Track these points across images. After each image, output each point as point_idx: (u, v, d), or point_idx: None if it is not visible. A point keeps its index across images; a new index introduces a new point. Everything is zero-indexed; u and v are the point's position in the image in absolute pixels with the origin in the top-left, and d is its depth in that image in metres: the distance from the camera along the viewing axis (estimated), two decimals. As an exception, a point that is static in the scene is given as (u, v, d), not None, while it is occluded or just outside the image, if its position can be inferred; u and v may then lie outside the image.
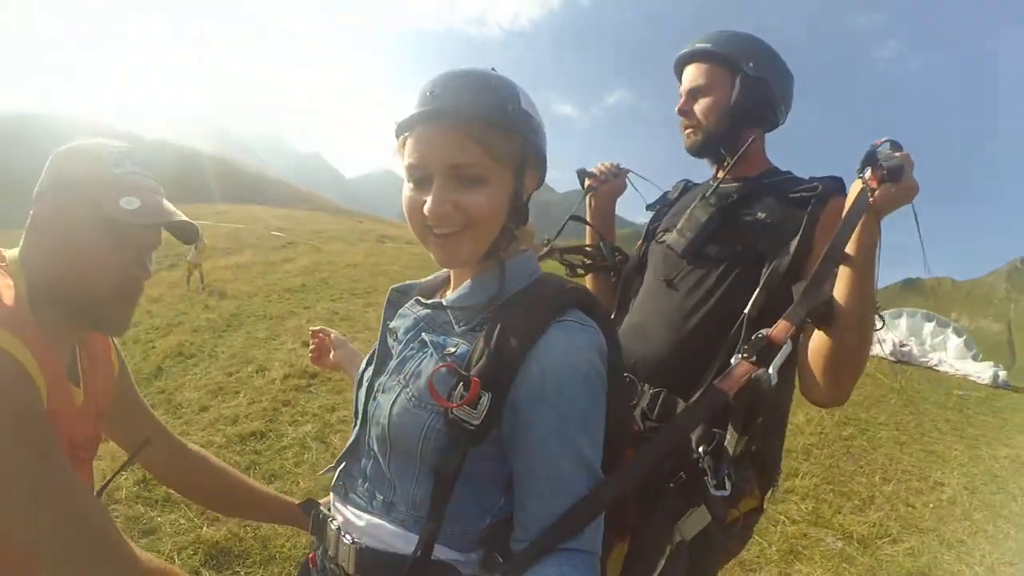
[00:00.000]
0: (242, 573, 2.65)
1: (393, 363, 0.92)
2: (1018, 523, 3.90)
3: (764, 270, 1.27)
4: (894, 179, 0.98)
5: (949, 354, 11.02)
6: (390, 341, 0.98)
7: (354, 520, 0.90)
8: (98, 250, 0.93)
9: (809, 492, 4.04)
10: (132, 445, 1.17)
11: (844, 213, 1.04)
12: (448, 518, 0.81)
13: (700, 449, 1.19)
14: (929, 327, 11.77)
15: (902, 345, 10.68)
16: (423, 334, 0.91)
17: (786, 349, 0.98)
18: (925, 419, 6.31)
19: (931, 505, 4.04)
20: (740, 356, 0.98)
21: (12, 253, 0.94)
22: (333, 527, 0.93)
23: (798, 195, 1.32)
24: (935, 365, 10.57)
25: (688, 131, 1.49)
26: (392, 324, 1.00)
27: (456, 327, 0.88)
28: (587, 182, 1.71)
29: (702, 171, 1.62)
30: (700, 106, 1.44)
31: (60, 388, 0.89)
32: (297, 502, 1.22)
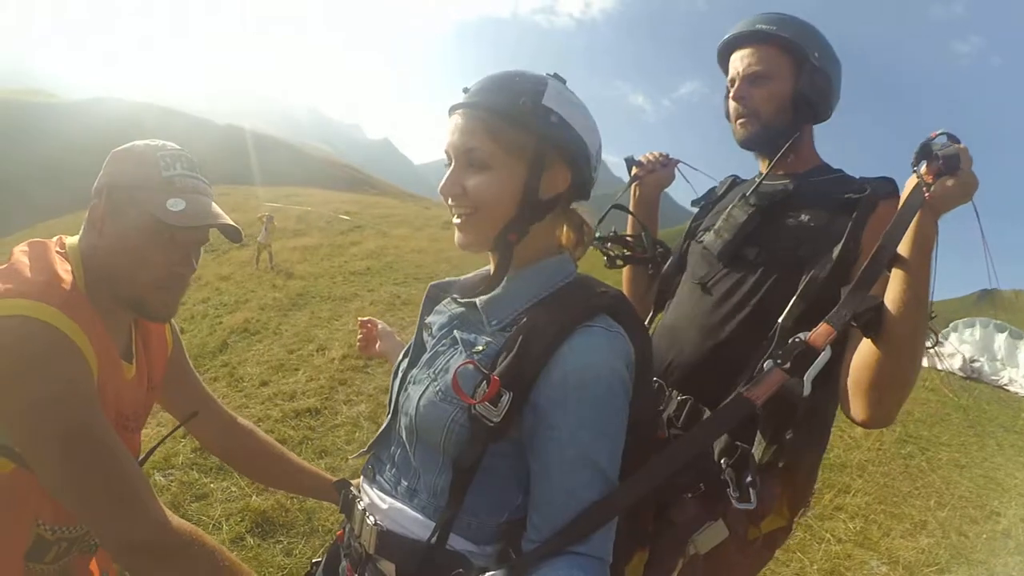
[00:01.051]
0: (285, 542, 2.84)
1: (425, 357, 0.97)
2: None
3: (804, 277, 1.20)
4: (950, 171, 0.89)
5: (1020, 369, 10.20)
6: (425, 336, 1.03)
7: (378, 503, 0.95)
8: (146, 248, 1.01)
9: (859, 511, 3.92)
10: (183, 413, 1.27)
11: (897, 210, 0.95)
12: (465, 508, 0.86)
13: (722, 461, 1.16)
14: (1001, 338, 10.91)
15: (972, 360, 9.96)
16: (455, 331, 0.95)
17: (824, 356, 0.91)
18: (989, 442, 5.94)
19: (984, 536, 3.84)
20: (773, 362, 0.92)
21: (72, 241, 1.04)
22: (360, 507, 0.99)
23: (845, 197, 1.23)
24: (1006, 385, 9.73)
25: (742, 120, 1.39)
26: (428, 319, 1.05)
27: (487, 326, 0.92)
28: (634, 170, 1.66)
29: (753, 166, 1.53)
30: (760, 94, 1.35)
31: (110, 363, 0.98)
32: (334, 479, 1.30)
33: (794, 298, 1.18)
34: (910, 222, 0.92)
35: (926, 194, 0.91)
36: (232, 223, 1.07)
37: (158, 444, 1.26)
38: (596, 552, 0.79)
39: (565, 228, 0.99)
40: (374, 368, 5.56)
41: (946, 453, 5.19)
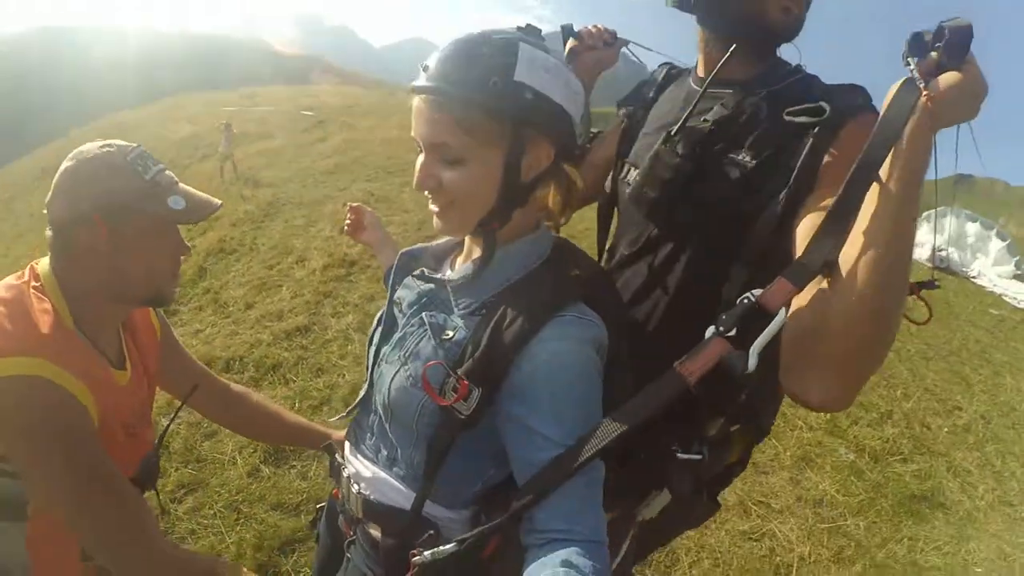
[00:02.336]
0: (299, 467, 2.93)
1: (397, 336, 0.97)
2: None
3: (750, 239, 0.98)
4: (956, 62, 0.67)
5: (989, 258, 10.58)
6: (395, 311, 1.02)
7: (362, 471, 1.00)
8: (158, 248, 1.08)
9: (830, 399, 4.14)
10: (181, 391, 1.34)
11: (882, 112, 0.71)
12: (441, 480, 0.89)
13: (663, 441, 1.05)
14: (973, 227, 11.21)
15: (940, 250, 10.25)
16: (423, 313, 0.94)
17: (778, 321, 0.72)
18: (956, 336, 6.25)
19: (945, 429, 4.13)
20: (715, 329, 0.75)
21: (44, 268, 1.04)
22: (345, 475, 1.03)
23: (797, 119, 0.95)
24: (974, 277, 10.17)
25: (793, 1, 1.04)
26: (398, 294, 1.03)
27: (456, 308, 0.91)
28: (570, 43, 1.36)
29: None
30: None
31: (105, 389, 1.01)
32: (322, 429, 1.42)
33: (735, 266, 0.99)
34: (901, 128, 0.68)
35: (924, 95, 0.67)
36: (217, 201, 1.13)
37: (169, 423, 1.40)
38: (593, 536, 0.77)
39: (552, 191, 0.90)
40: (356, 275, 5.57)
41: (913, 345, 5.45)
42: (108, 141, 1.04)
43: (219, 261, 6.73)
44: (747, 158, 0.99)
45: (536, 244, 0.93)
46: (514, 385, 0.81)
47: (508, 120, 0.80)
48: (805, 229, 0.86)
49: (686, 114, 1.06)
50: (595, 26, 1.38)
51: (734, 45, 1.03)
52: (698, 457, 1.06)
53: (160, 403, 3.42)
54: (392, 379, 0.91)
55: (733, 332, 0.74)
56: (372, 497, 0.97)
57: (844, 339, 0.71)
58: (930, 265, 10.27)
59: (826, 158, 0.91)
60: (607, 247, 1.36)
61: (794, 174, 0.92)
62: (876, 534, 2.94)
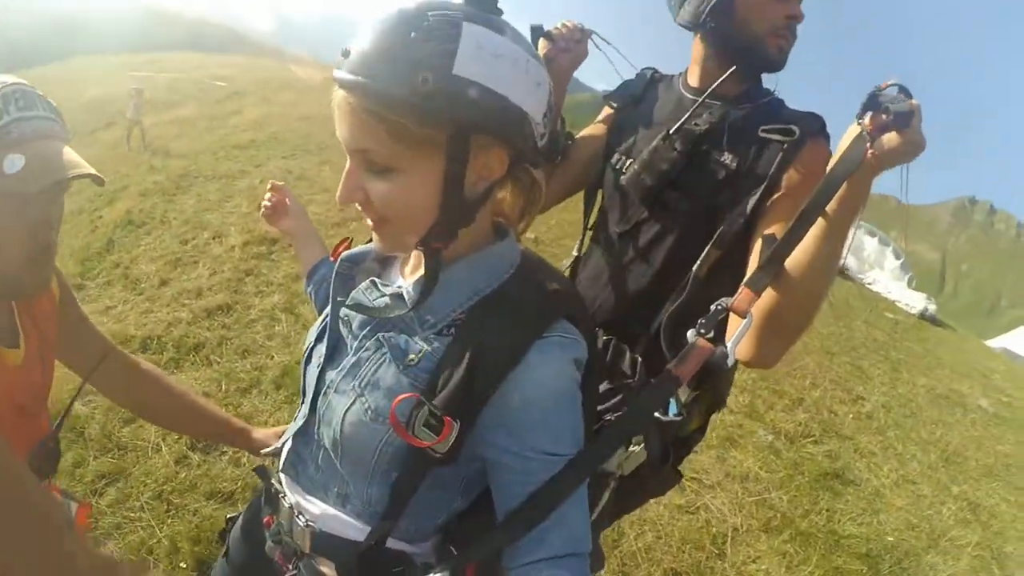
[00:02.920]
0: (230, 452, 2.75)
1: (348, 361, 0.83)
2: (924, 448, 4.42)
3: (722, 225, 1.16)
4: (900, 127, 0.81)
5: (884, 274, 11.67)
6: (342, 328, 0.88)
7: (307, 505, 0.87)
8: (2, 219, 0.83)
9: (746, 387, 4.45)
10: (84, 366, 1.16)
11: (833, 162, 0.87)
12: (404, 516, 0.79)
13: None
14: (871, 243, 12.27)
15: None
16: (379, 333, 0.81)
17: (747, 323, 0.87)
18: (855, 335, 6.86)
19: (851, 416, 4.52)
20: (696, 333, 0.86)
21: None
22: (286, 505, 0.89)
23: (771, 136, 1.16)
24: (870, 284, 11.12)
25: (786, 40, 1.22)
26: (345, 310, 0.87)
27: (419, 327, 0.78)
28: (542, 46, 1.34)
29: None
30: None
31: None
32: (244, 426, 1.30)
33: (708, 247, 1.15)
34: (845, 178, 0.85)
35: (869, 150, 0.83)
36: (91, 172, 0.89)
37: (71, 404, 1.18)
38: (575, 549, 0.73)
39: (510, 194, 0.82)
40: (279, 254, 5.30)
41: (818, 341, 5.92)
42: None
43: (128, 234, 6.19)
44: (729, 159, 1.19)
45: (505, 253, 0.82)
46: (500, 416, 0.73)
47: (446, 124, 0.65)
48: (764, 228, 1.09)
49: (684, 118, 1.24)
50: (564, 24, 1.36)
51: (734, 67, 1.21)
52: (679, 418, 1.14)
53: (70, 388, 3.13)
54: (345, 413, 0.78)
55: (711, 334, 0.85)
56: (322, 529, 0.84)
57: (791, 320, 0.98)
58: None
59: (789, 170, 1.12)
60: (590, 225, 1.51)
61: (767, 179, 1.12)
62: (798, 506, 3.17)
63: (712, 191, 1.19)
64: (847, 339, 6.51)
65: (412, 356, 0.76)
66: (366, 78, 0.63)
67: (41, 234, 0.88)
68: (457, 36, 0.62)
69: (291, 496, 0.90)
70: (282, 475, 0.93)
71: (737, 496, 3.10)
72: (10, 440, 0.83)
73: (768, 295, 0.94)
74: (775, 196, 1.12)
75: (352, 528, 0.82)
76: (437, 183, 0.68)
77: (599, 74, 1.48)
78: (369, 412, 0.76)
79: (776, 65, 1.24)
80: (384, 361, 0.78)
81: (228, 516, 1.16)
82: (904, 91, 0.85)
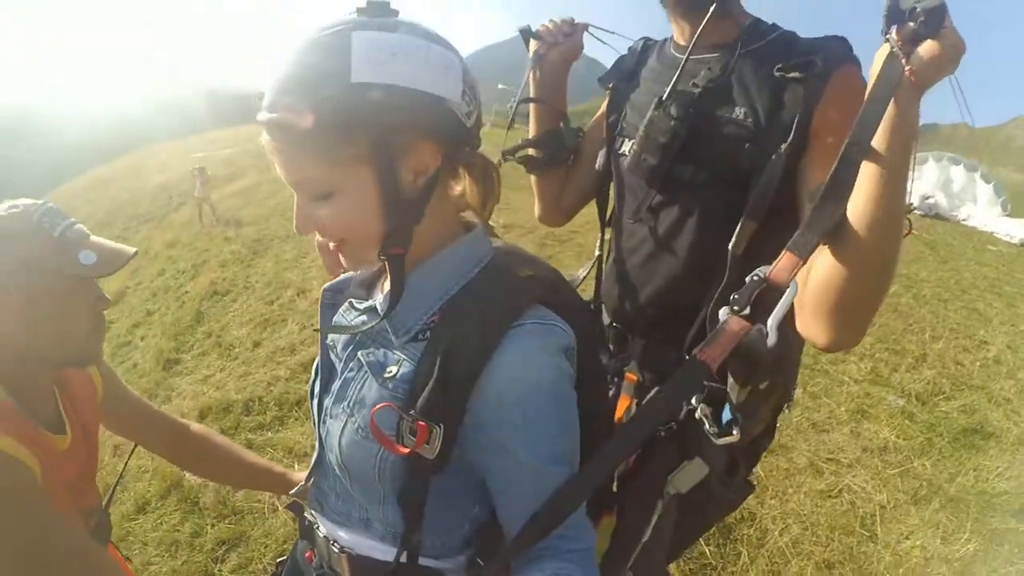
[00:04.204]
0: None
1: (336, 385, 0.83)
2: None
3: (753, 193, 1.00)
4: (933, 31, 0.69)
5: (979, 204, 10.83)
6: (331, 356, 0.88)
7: (337, 533, 0.88)
8: (71, 308, 1.00)
9: (865, 352, 4.18)
10: (136, 435, 1.30)
11: (869, 88, 0.74)
12: (425, 531, 0.78)
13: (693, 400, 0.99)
14: (958, 172, 11.40)
15: (927, 197, 10.45)
16: (359, 352, 0.81)
17: (791, 293, 0.75)
18: (964, 276, 6.37)
19: (978, 363, 4.17)
20: (729, 309, 0.76)
21: None
22: (321, 535, 0.90)
23: (788, 74, 0.98)
24: (964, 220, 10.43)
25: None
26: (331, 337, 0.89)
27: (394, 338, 0.77)
28: (532, 46, 1.29)
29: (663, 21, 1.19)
30: None
31: (48, 453, 0.96)
32: (285, 472, 1.34)
33: (742, 219, 0.99)
34: (886, 105, 0.72)
35: (905, 67, 0.71)
36: (134, 251, 1.08)
37: (113, 489, 1.29)
38: (580, 544, 0.73)
39: (465, 184, 0.78)
40: None
41: (928, 289, 5.53)
42: (14, 202, 0.97)
43: (215, 304, 6.54)
44: (741, 115, 1.02)
45: (473, 246, 0.79)
46: (480, 414, 0.70)
47: (362, 134, 0.65)
48: (808, 185, 0.94)
49: (674, 78, 1.08)
50: (552, 20, 1.32)
51: (713, 7, 1.04)
52: (736, 438, 0.92)
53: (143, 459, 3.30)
54: (341, 435, 0.78)
55: (747, 310, 0.75)
56: (358, 553, 0.84)
57: (856, 291, 0.79)
58: (921, 213, 10.47)
59: (819, 108, 0.95)
60: (608, 220, 1.37)
61: (793, 127, 0.95)
62: (943, 471, 2.94)
63: (730, 155, 1.02)
64: (956, 282, 6.04)
65: (391, 368, 0.75)
66: (281, 113, 0.64)
67: (98, 308, 1.04)
68: (348, 47, 0.63)
69: (323, 527, 0.91)
70: (311, 508, 0.95)
71: (878, 470, 2.89)
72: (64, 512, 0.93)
73: (826, 261, 0.80)
74: (812, 144, 0.95)
75: (379, 551, 0.82)
76: (374, 193, 0.68)
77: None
78: (360, 431, 0.76)
79: (680, 2, 1.09)
80: (366, 378, 0.78)
81: (278, 560, 1.13)
82: None
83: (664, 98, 1.08)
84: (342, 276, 0.96)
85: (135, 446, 1.30)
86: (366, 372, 0.78)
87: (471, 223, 0.83)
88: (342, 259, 0.77)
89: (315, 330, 0.92)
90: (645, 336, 1.20)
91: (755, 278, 0.77)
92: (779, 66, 0.99)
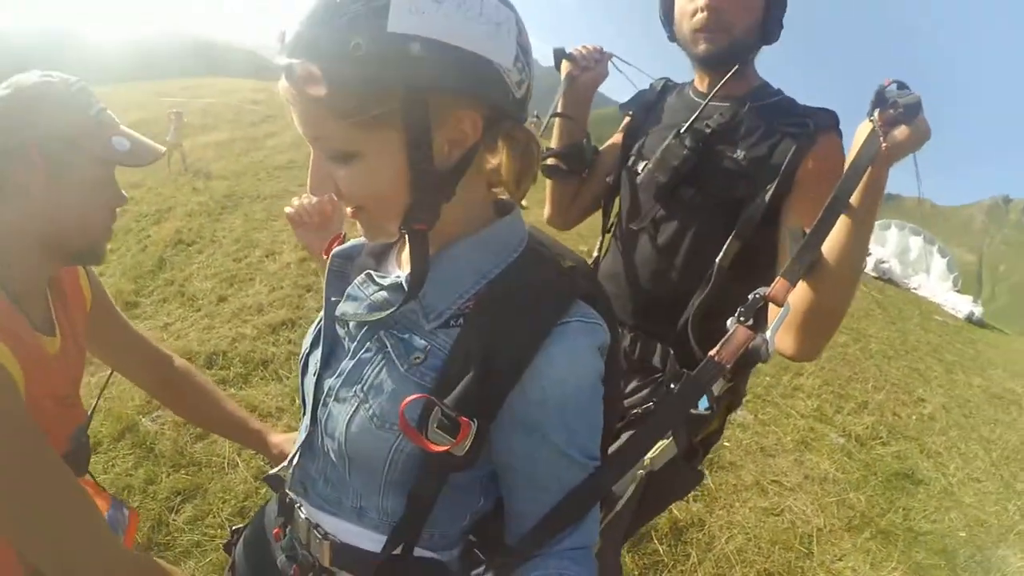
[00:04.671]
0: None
1: (347, 365, 0.75)
2: (985, 447, 4.37)
3: (742, 216, 1.20)
4: (909, 120, 0.86)
5: (932, 275, 11.45)
6: (339, 330, 0.81)
7: (323, 519, 0.81)
8: (97, 194, 0.95)
9: (813, 392, 4.45)
10: (117, 360, 1.22)
11: (852, 157, 0.91)
12: (427, 525, 0.73)
13: (672, 386, 1.25)
14: (916, 241, 12.09)
15: (881, 262, 11.04)
16: (381, 331, 0.73)
17: (785, 311, 0.88)
18: (909, 338, 6.81)
19: (914, 417, 4.49)
20: (736, 320, 0.85)
21: None
22: (302, 516, 0.83)
23: (784, 130, 1.20)
24: (915, 289, 11.01)
25: (710, 32, 1.24)
26: (341, 308, 0.79)
27: (424, 321, 0.70)
28: (565, 67, 1.46)
29: (681, 65, 1.42)
30: (738, 4, 1.21)
31: (34, 359, 0.88)
32: (262, 428, 1.26)
33: (730, 238, 1.20)
34: (865, 171, 0.90)
35: (883, 143, 0.88)
36: (161, 147, 1.03)
37: (97, 400, 1.21)
38: (581, 542, 0.71)
39: (505, 158, 0.73)
40: None
41: (875, 344, 5.90)
42: (48, 72, 0.90)
43: (179, 252, 6.32)
44: (741, 155, 1.23)
45: (511, 230, 0.73)
46: (519, 410, 0.66)
47: (394, 91, 0.58)
48: (788, 221, 1.13)
49: (694, 117, 1.29)
50: (584, 46, 1.47)
51: (735, 68, 1.25)
52: (708, 412, 1.17)
53: (139, 401, 3.19)
54: (349, 421, 0.71)
55: (751, 321, 0.85)
56: (343, 541, 0.78)
57: (826, 314, 1.03)
58: (874, 275, 11.06)
59: (804, 162, 1.16)
60: (609, 228, 1.55)
61: (782, 170, 1.16)
62: (875, 505, 3.16)
63: (726, 185, 1.23)
64: (902, 343, 6.47)
65: (418, 354, 0.69)
66: (306, 57, 0.57)
67: (115, 204, 0.99)
68: (380, 3, 0.55)
69: (305, 507, 0.84)
70: (291, 492, 0.86)
71: (817, 497, 3.09)
72: (49, 430, 0.86)
73: (803, 289, 0.99)
74: (793, 189, 1.15)
75: (371, 541, 0.76)
76: (402, 160, 0.61)
77: (629, 92, 1.57)
78: (375, 419, 0.69)
79: (706, 62, 1.30)
80: (387, 361, 0.71)
81: (233, 528, 1.06)
82: (904, 86, 0.91)
83: (682, 131, 1.28)
84: (354, 241, 0.88)
85: (111, 372, 1.23)
86: (387, 354, 0.71)
87: (504, 201, 0.77)
88: (359, 226, 0.71)
89: (328, 309, 0.83)
90: (634, 329, 1.38)
91: (756, 296, 0.88)
92: (780, 121, 1.21)
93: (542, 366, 0.64)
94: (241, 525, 1.04)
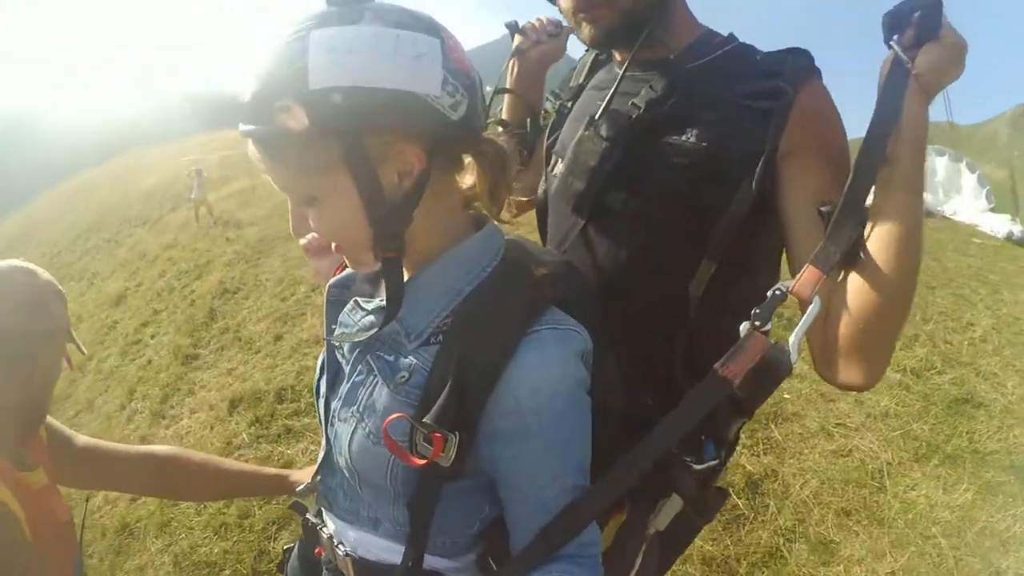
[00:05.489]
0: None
1: (345, 387, 0.80)
2: None
3: (718, 222, 0.87)
4: (932, 33, 0.70)
5: (964, 194, 11.09)
6: (338, 355, 0.86)
7: (345, 532, 0.86)
8: (51, 361, 0.99)
9: (864, 333, 4.48)
10: (95, 481, 1.21)
11: (879, 92, 0.73)
12: (435, 531, 0.76)
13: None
14: (941, 162, 11.57)
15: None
16: (368, 354, 0.78)
17: (814, 309, 0.72)
18: (949, 265, 6.72)
19: (965, 342, 4.47)
20: (751, 325, 0.71)
21: None
22: (325, 535, 0.89)
23: (756, 103, 0.86)
24: (951, 215, 10.72)
25: (587, 13, 0.97)
26: (335, 334, 0.85)
27: (406, 341, 0.74)
28: (516, 40, 1.28)
29: None
30: None
31: (26, 494, 0.92)
32: (279, 472, 1.26)
33: (703, 261, 0.88)
34: (898, 112, 0.71)
35: (911, 69, 0.71)
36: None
37: (81, 530, 1.14)
38: (586, 551, 0.71)
39: (477, 175, 0.75)
40: None
41: (917, 277, 5.85)
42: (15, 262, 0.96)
43: (226, 302, 6.59)
44: (690, 137, 0.89)
45: (484, 243, 0.76)
46: (495, 422, 0.68)
47: (328, 140, 0.62)
48: (799, 215, 0.84)
49: (608, 98, 0.98)
50: (539, 19, 1.28)
51: (647, 32, 0.96)
52: (715, 463, 0.92)
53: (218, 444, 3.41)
54: (350, 439, 0.75)
55: (768, 326, 0.70)
56: (362, 556, 0.83)
57: (882, 325, 0.74)
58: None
59: (785, 135, 0.84)
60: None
61: (762, 161, 0.84)
62: (939, 433, 3.24)
63: (673, 183, 0.90)
64: (942, 272, 6.38)
65: (403, 373, 0.73)
66: (249, 120, 0.63)
67: (60, 371, 1.02)
68: (305, 50, 0.60)
69: (330, 526, 0.89)
70: (319, 505, 0.93)
71: (882, 433, 3.18)
72: (53, 558, 0.92)
73: (846, 289, 0.76)
74: (786, 167, 0.85)
75: (388, 551, 0.80)
76: (355, 197, 0.65)
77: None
78: (371, 436, 0.73)
79: (594, 43, 1.03)
80: (376, 383, 0.75)
81: (284, 547, 1.11)
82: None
83: (596, 116, 0.97)
84: (346, 272, 0.92)
85: (87, 498, 1.23)
86: (376, 376, 0.75)
87: (483, 217, 0.80)
88: (345, 259, 0.78)
89: (324, 339, 0.89)
90: None
91: (777, 292, 0.72)
92: (746, 93, 0.87)
93: (514, 376, 0.66)
94: (290, 545, 1.09)
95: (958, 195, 11.29)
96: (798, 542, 2.46)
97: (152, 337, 6.28)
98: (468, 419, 0.67)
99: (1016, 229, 10.11)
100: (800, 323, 0.71)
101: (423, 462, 0.66)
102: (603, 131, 0.95)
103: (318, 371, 0.89)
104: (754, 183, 0.84)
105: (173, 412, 4.37)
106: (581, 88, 1.18)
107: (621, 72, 0.99)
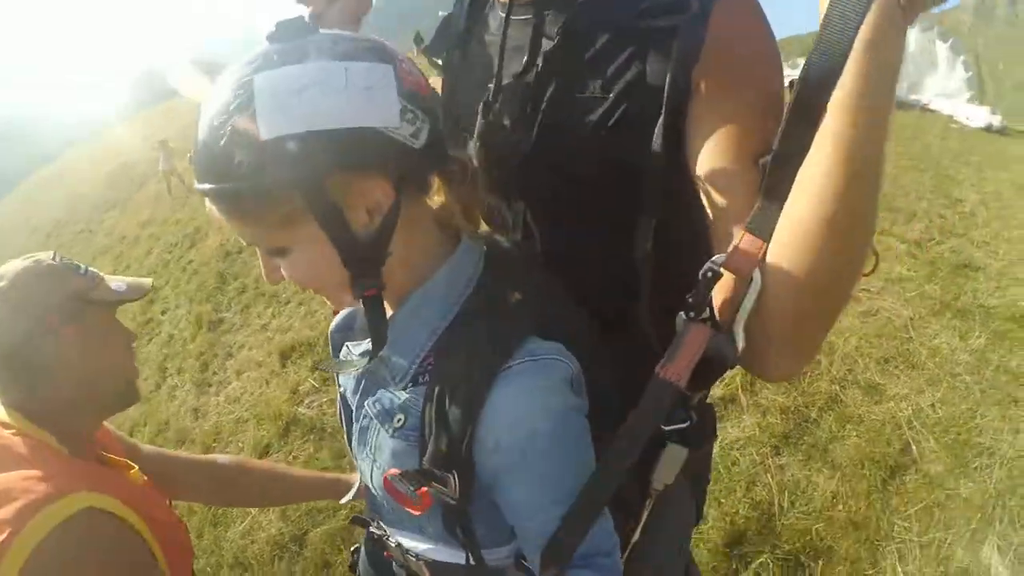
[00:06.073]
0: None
1: (355, 429, 0.80)
2: None
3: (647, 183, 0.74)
4: None
5: (940, 70, 10.81)
6: (346, 396, 0.85)
7: (404, 540, 0.84)
8: (118, 342, 1.00)
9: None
10: (165, 489, 1.14)
11: (824, 13, 0.49)
12: (481, 535, 0.74)
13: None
14: (913, 33, 10.72)
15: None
16: (365, 402, 0.76)
17: (755, 288, 0.58)
18: (932, 148, 7.10)
19: (957, 216, 4.84)
20: (685, 315, 0.62)
21: (8, 417, 0.90)
22: (392, 543, 0.87)
23: (655, 22, 0.70)
24: (927, 104, 10.58)
25: None
26: (340, 382, 0.85)
27: (393, 383, 0.72)
28: (304, 11, 0.96)
29: None
30: None
31: (139, 498, 0.91)
32: (338, 477, 1.27)
33: (641, 218, 0.76)
34: (857, 27, 0.48)
35: None
36: (148, 280, 1.09)
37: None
38: (607, 560, 0.71)
39: (446, 195, 0.73)
40: None
41: (905, 160, 6.22)
42: (26, 255, 0.95)
43: (232, 263, 6.51)
44: (597, 91, 0.75)
45: (456, 272, 0.72)
46: (483, 463, 0.65)
47: (288, 190, 0.58)
48: (722, 170, 0.67)
49: (497, 68, 0.82)
50: None
51: None
52: (685, 424, 0.73)
53: (284, 397, 3.48)
54: (371, 476, 0.76)
55: (706, 313, 0.62)
56: (434, 558, 0.81)
57: (826, 281, 0.57)
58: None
59: (700, 61, 0.68)
60: None
61: (665, 94, 0.69)
62: (948, 292, 3.58)
63: (592, 144, 0.77)
64: (927, 155, 6.74)
65: (399, 416, 0.70)
66: (205, 179, 0.59)
67: (131, 341, 1.03)
68: (251, 98, 0.55)
69: (392, 534, 0.88)
70: (374, 530, 0.93)
71: (900, 294, 3.54)
72: (185, 553, 0.95)
73: (785, 249, 0.57)
74: (698, 106, 0.69)
75: (448, 553, 0.78)
76: (326, 243, 0.61)
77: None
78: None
79: None
80: (377, 427, 0.74)
81: (353, 548, 1.10)
82: None
83: (491, 99, 0.81)
84: (343, 315, 0.89)
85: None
86: (374, 422, 0.74)
87: (459, 233, 0.76)
88: (327, 301, 0.75)
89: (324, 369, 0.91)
90: None
91: (709, 273, 0.61)
92: (641, 10, 0.71)
93: (490, 416, 0.63)
94: (357, 545, 1.08)
95: (933, 71, 10.96)
96: (851, 388, 2.82)
97: (163, 313, 6.20)
98: (460, 458, 0.64)
99: (995, 120, 9.97)
100: (742, 306, 0.59)
101: (419, 512, 0.68)
102: (504, 119, 0.81)
103: (340, 401, 0.88)
104: (656, 135, 0.70)
105: (217, 378, 4.40)
106: (467, 35, 0.95)
107: (503, 30, 0.81)
